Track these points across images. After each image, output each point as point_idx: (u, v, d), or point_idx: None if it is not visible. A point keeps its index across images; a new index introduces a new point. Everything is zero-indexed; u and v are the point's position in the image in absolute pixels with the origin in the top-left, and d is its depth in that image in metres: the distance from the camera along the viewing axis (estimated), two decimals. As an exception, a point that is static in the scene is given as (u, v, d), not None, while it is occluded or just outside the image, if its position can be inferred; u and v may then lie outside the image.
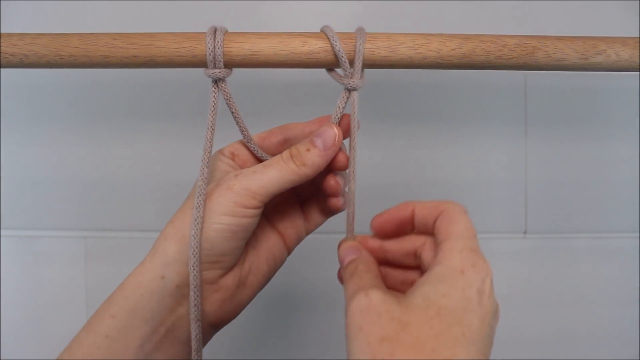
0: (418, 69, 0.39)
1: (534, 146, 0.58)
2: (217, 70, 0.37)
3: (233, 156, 0.39)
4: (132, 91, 0.57)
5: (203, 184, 0.37)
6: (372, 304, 0.29)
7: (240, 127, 0.39)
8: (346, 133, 0.38)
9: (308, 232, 0.42)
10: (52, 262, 0.59)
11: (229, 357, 0.59)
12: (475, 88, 0.57)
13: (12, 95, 0.57)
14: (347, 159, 0.38)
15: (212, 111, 0.38)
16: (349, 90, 0.37)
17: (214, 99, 0.38)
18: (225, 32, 0.37)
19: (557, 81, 0.56)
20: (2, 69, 0.39)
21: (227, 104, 0.38)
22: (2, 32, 0.38)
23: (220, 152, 0.39)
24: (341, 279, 0.35)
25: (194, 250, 0.35)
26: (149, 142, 0.57)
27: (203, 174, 0.37)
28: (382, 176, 0.57)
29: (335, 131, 0.37)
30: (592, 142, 0.58)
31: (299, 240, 0.42)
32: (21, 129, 0.57)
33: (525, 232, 0.59)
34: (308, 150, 0.36)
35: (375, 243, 0.36)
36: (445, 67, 0.38)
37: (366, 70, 0.38)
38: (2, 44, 0.37)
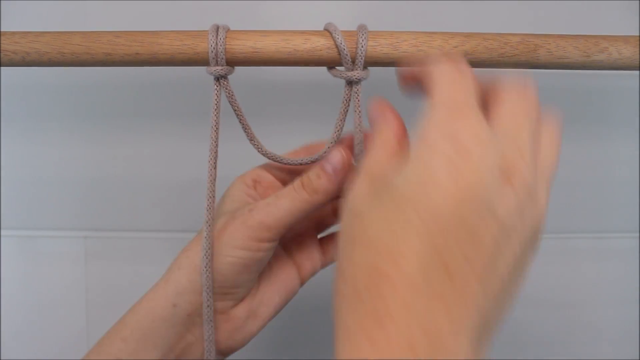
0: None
1: (534, 146, 0.58)
2: (219, 68, 0.37)
3: (255, 184, 0.40)
4: (132, 91, 0.56)
5: (212, 185, 0.38)
6: (375, 184, 0.27)
7: (243, 125, 0.39)
8: (352, 151, 0.38)
9: (324, 266, 0.42)
10: (52, 262, 0.59)
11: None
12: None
13: (12, 95, 0.57)
14: None
15: (216, 110, 0.38)
16: (351, 83, 0.37)
17: (216, 97, 0.38)
18: (228, 30, 0.37)
19: (557, 81, 0.56)
20: (2, 69, 0.39)
21: (229, 101, 0.38)
22: (2, 30, 0.38)
23: (243, 179, 0.40)
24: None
25: (207, 281, 0.36)
26: (149, 142, 0.57)
27: (211, 175, 0.38)
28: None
29: (341, 154, 0.36)
30: (592, 142, 0.58)
31: (313, 272, 0.42)
32: (21, 129, 0.57)
33: (525, 232, 0.59)
34: (319, 177, 0.36)
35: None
36: (447, 65, 0.38)
37: (368, 68, 0.39)
38: (4, 41, 0.37)
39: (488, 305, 0.24)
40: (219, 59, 0.37)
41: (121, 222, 0.59)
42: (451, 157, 0.24)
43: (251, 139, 0.40)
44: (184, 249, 0.38)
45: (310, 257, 0.41)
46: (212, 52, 0.36)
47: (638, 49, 0.38)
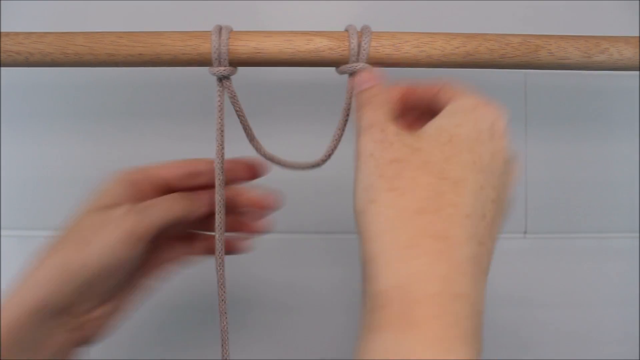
0: (422, 67, 0.39)
1: (534, 146, 0.58)
2: (222, 68, 0.37)
3: (134, 183, 0.39)
4: (132, 91, 0.56)
5: (221, 188, 0.38)
6: (386, 136, 0.29)
7: (244, 125, 0.39)
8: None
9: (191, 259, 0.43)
10: (52, 262, 0.59)
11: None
12: (475, 88, 0.57)
13: (12, 95, 0.57)
14: (249, 168, 0.40)
15: (220, 111, 0.38)
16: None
17: (219, 98, 0.38)
18: (231, 31, 0.37)
19: (557, 81, 0.57)
20: (2, 68, 0.39)
21: (231, 102, 0.38)
22: (4, 31, 0.38)
23: (121, 176, 0.39)
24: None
25: (220, 278, 0.38)
26: (149, 142, 0.57)
27: (219, 178, 0.39)
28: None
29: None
30: (592, 142, 0.58)
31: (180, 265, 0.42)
32: (21, 129, 0.57)
33: (525, 232, 0.59)
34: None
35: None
36: (449, 66, 0.38)
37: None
38: (8, 42, 0.37)
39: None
40: (222, 59, 0.37)
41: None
42: (491, 126, 0.31)
43: (251, 139, 0.40)
44: (52, 247, 0.35)
45: (176, 252, 0.42)
46: (215, 52, 0.36)
47: (638, 50, 0.38)
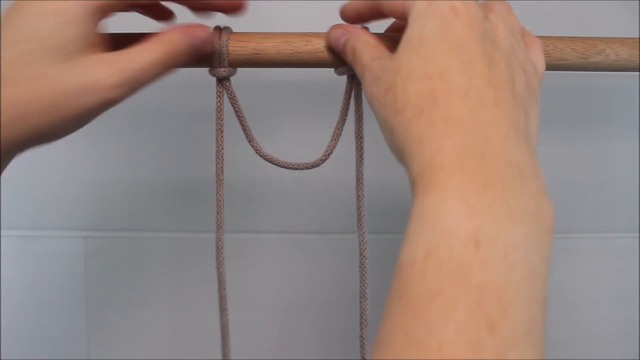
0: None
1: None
2: (221, 69, 0.37)
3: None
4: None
5: (221, 189, 0.39)
6: (373, 72, 0.32)
7: (243, 126, 0.39)
8: None
9: None
10: (52, 262, 0.59)
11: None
12: None
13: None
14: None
15: (219, 112, 0.39)
16: (354, 77, 0.38)
17: (219, 99, 0.38)
18: (230, 32, 0.37)
19: (557, 81, 0.57)
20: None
21: (231, 103, 0.39)
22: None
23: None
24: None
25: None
26: (149, 142, 0.57)
27: (219, 179, 0.39)
28: (382, 175, 0.57)
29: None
30: (592, 142, 0.58)
31: None
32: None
33: (525, 232, 0.59)
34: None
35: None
36: (447, 67, 0.38)
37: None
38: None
39: (519, 117, 0.29)
40: (222, 60, 0.37)
41: (121, 222, 0.59)
42: (450, 9, 0.30)
43: (250, 140, 0.40)
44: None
45: None
46: (215, 53, 0.36)
47: (636, 51, 0.38)
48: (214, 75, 0.38)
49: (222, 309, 0.42)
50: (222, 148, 0.39)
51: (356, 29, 0.36)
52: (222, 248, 0.41)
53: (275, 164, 0.40)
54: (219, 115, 0.39)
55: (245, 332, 0.59)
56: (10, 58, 0.29)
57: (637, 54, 0.38)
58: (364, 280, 0.40)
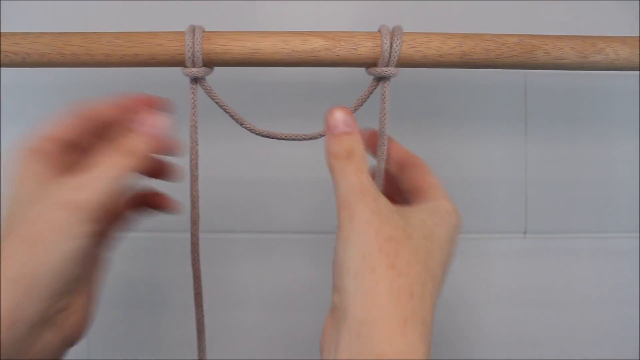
0: (418, 67, 0.39)
1: (534, 146, 0.58)
2: (194, 70, 0.37)
3: (44, 151, 0.34)
4: (132, 91, 0.57)
5: (196, 184, 0.39)
6: (380, 209, 0.32)
7: (230, 114, 0.39)
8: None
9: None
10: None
11: (220, 357, 0.59)
12: (475, 88, 0.57)
13: (12, 95, 0.57)
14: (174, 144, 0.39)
15: (193, 109, 0.39)
16: (380, 78, 0.38)
17: (193, 98, 0.39)
18: (203, 31, 0.38)
19: (557, 81, 0.57)
20: (2, 69, 0.39)
21: (210, 97, 0.39)
22: (3, 31, 0.38)
23: (30, 150, 0.33)
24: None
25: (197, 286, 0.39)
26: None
27: (194, 175, 0.40)
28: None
29: (157, 116, 0.35)
30: (592, 142, 0.58)
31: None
32: (21, 129, 0.57)
33: (525, 232, 0.59)
34: (134, 138, 0.34)
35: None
36: (445, 66, 0.38)
37: (363, 69, 0.39)
38: (5, 42, 0.37)
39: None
40: (195, 61, 0.37)
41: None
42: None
43: (241, 123, 0.40)
44: None
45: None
46: (188, 52, 0.37)
47: (636, 50, 0.38)
48: (187, 75, 0.38)
49: (198, 305, 0.43)
50: (197, 144, 0.40)
51: (359, 134, 0.34)
52: (197, 244, 0.41)
53: (273, 137, 0.40)
54: (193, 112, 0.39)
55: (246, 332, 0.59)
56: None
57: (637, 53, 0.38)
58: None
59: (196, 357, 0.44)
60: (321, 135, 0.40)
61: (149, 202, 0.41)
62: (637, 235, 0.59)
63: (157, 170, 0.40)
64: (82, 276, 0.33)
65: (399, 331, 0.29)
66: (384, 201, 0.32)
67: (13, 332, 0.29)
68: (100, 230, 0.34)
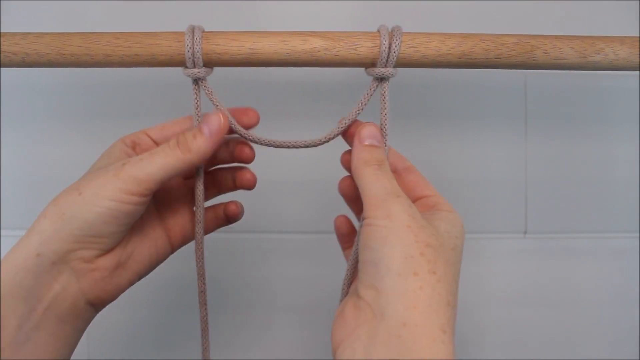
0: (417, 67, 0.39)
1: (534, 146, 0.58)
2: (196, 70, 0.37)
3: (134, 145, 0.40)
4: (132, 91, 0.57)
5: (200, 184, 0.40)
6: (416, 214, 0.33)
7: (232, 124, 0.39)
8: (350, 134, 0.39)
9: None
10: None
11: (223, 357, 0.59)
12: (475, 88, 0.57)
13: (12, 95, 0.57)
14: (252, 152, 0.41)
15: (197, 108, 0.39)
16: (379, 79, 0.38)
17: (196, 97, 0.39)
18: (203, 31, 0.38)
19: (557, 81, 0.57)
20: (2, 69, 0.39)
21: (209, 99, 0.39)
22: (2, 32, 0.38)
23: (122, 139, 0.40)
24: (346, 162, 0.39)
25: (200, 270, 0.40)
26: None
27: (199, 175, 0.40)
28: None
29: (219, 118, 0.38)
30: (592, 141, 0.58)
31: (184, 241, 0.43)
32: (21, 129, 0.57)
33: (525, 232, 0.59)
34: (194, 137, 0.37)
35: None
36: (444, 66, 0.38)
37: (362, 69, 0.39)
38: (4, 43, 0.37)
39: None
40: (195, 62, 0.37)
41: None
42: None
43: (239, 130, 0.40)
44: (54, 198, 0.36)
45: (182, 223, 0.42)
46: (188, 52, 0.37)
47: (635, 50, 0.38)
48: (188, 75, 0.38)
49: (202, 303, 0.43)
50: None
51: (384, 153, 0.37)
52: (202, 243, 0.42)
53: (267, 145, 0.40)
54: (197, 112, 0.39)
55: (246, 332, 0.59)
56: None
57: (637, 53, 0.38)
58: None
59: (198, 358, 0.44)
60: (322, 143, 0.40)
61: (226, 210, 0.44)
62: (637, 235, 0.59)
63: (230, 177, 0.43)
64: (113, 237, 0.36)
65: (439, 338, 0.30)
66: (415, 208, 0.34)
67: (38, 261, 0.34)
68: (143, 204, 0.37)
